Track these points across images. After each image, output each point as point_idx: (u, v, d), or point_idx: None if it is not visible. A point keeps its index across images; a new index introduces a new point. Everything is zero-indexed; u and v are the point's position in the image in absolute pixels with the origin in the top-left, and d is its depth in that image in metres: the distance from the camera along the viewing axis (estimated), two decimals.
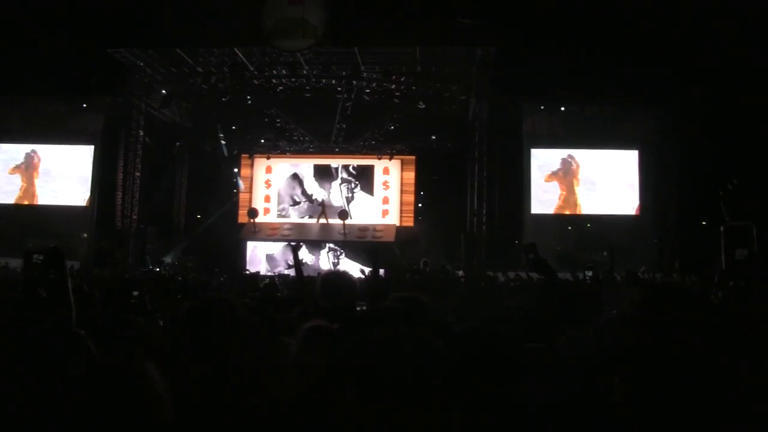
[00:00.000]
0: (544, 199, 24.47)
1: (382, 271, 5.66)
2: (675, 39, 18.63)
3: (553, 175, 24.75)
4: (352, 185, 26.60)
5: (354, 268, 15.19)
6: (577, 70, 20.23)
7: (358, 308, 4.29)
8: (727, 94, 19.56)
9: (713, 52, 18.44)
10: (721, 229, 14.63)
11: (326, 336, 2.56)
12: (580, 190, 24.59)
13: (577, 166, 24.77)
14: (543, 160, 24.83)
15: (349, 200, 26.51)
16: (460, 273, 18.79)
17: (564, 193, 24.59)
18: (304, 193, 26.97)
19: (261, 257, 25.58)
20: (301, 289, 5.66)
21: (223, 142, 25.77)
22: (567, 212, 24.46)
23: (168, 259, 23.82)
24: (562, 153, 24.71)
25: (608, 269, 13.53)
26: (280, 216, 26.80)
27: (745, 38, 17.60)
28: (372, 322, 2.62)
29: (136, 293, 6.84)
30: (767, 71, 17.89)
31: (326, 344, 2.45)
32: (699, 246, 18.63)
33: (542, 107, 24.10)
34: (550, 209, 24.49)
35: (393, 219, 26.43)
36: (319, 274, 4.56)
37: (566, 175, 24.73)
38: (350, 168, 26.79)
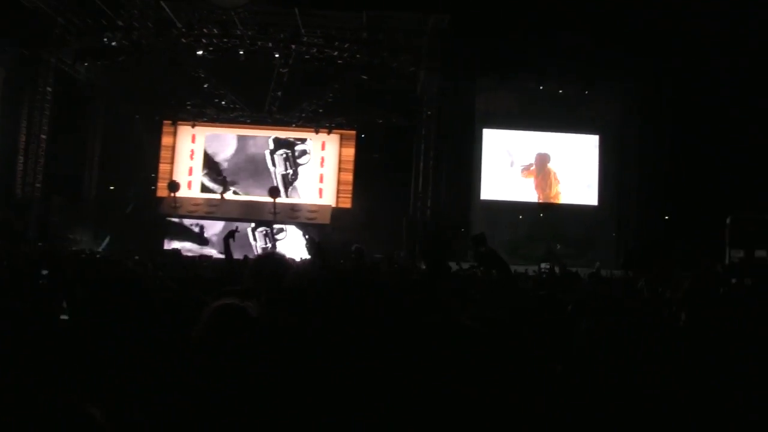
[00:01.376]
0: (521, 192, 25.03)
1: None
2: (640, 11, 18.97)
3: (528, 171, 25.37)
4: (292, 160, 26.73)
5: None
6: (536, 44, 20.51)
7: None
8: (697, 73, 19.99)
9: (680, 26, 18.82)
10: (728, 221, 14.62)
11: (235, 314, 2.57)
12: (560, 187, 25.26)
13: (548, 161, 25.37)
14: (496, 142, 25.31)
15: (287, 178, 26.64)
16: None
17: (538, 191, 25.27)
18: (230, 166, 27.02)
19: (182, 235, 25.53)
20: (230, 271, 5.73)
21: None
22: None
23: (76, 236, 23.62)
24: (518, 135, 25.23)
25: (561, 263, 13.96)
26: (204, 191, 26.93)
27: (717, 14, 18.08)
28: (293, 301, 2.70)
29: (45, 272, 6.64)
30: (738, 49, 18.43)
31: (234, 323, 2.50)
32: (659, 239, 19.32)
33: (497, 83, 24.36)
34: (529, 198, 25.04)
35: (328, 199, 26.64)
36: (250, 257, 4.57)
37: (540, 172, 25.31)
38: (291, 140, 26.92)
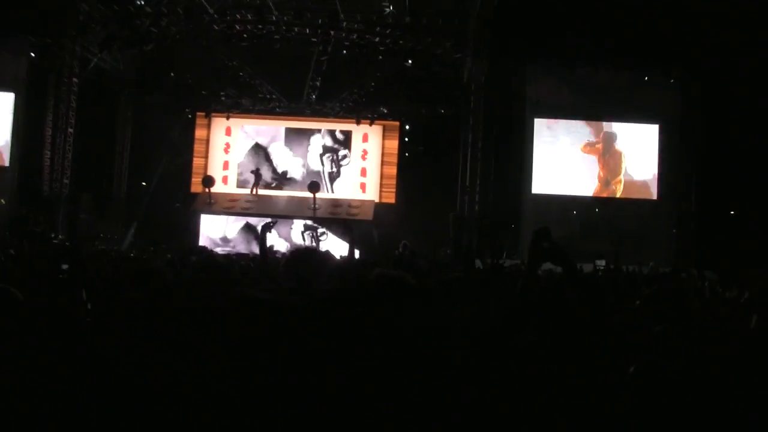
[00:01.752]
0: (579, 177, 24.30)
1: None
2: None
3: (592, 147, 24.61)
4: (337, 155, 26.66)
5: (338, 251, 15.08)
6: (592, 28, 19.95)
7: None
8: (764, 62, 19.26)
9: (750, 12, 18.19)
10: None
11: (260, 310, 2.53)
12: (625, 173, 24.51)
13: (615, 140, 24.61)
14: (548, 132, 24.62)
15: (332, 175, 26.54)
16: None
17: (603, 173, 24.47)
18: (268, 160, 26.84)
19: (216, 233, 25.34)
20: (263, 269, 5.64)
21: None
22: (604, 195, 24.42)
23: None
24: (572, 125, 24.54)
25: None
26: (240, 186, 26.62)
27: None
28: (338, 302, 2.61)
29: (65, 266, 6.33)
30: None
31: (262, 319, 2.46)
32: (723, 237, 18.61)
33: (548, 71, 23.86)
34: (585, 190, 24.36)
35: (371, 194, 26.37)
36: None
37: (608, 152, 24.59)
38: (336, 133, 26.79)
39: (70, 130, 23.37)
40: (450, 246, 21.89)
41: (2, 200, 23.76)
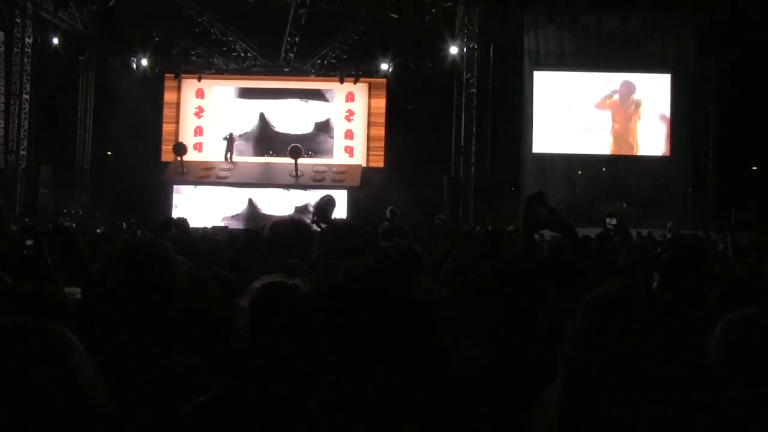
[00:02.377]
0: (585, 135, 23.86)
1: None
2: None
3: (607, 103, 24.14)
4: (319, 116, 26.31)
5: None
6: None
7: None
8: None
9: None
10: None
11: (287, 296, 2.40)
12: (641, 126, 24.04)
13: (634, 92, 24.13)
14: (550, 85, 24.12)
15: (314, 138, 26.18)
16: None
17: (618, 126, 24.00)
18: (244, 124, 26.40)
19: (192, 206, 24.85)
20: (249, 244, 5.73)
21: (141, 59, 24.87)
22: (623, 153, 24.06)
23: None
24: (580, 76, 24.07)
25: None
26: (215, 154, 26.28)
27: None
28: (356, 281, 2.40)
29: (29, 242, 6.56)
30: None
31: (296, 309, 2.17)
32: (747, 196, 18.15)
33: (548, 18, 23.39)
34: (600, 148, 23.96)
35: (358, 158, 26.12)
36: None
37: (624, 103, 24.10)
38: (317, 93, 26.48)
39: (25, 96, 23.33)
40: (445, 211, 21.85)
41: None
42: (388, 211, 17.19)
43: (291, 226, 4.17)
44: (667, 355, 1.84)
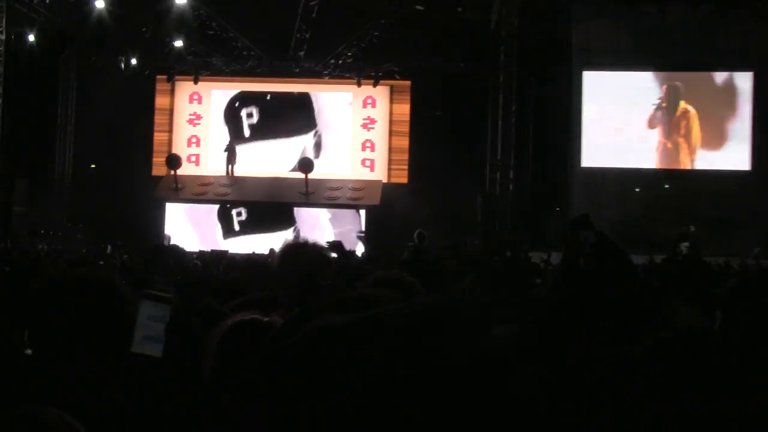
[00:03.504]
0: (649, 144, 23.67)
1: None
2: None
3: (655, 119, 23.84)
4: (333, 125, 26.25)
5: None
6: None
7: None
8: None
9: None
10: None
11: (253, 334, 2.53)
12: (712, 135, 23.67)
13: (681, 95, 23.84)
14: (602, 88, 23.81)
15: (327, 150, 26.04)
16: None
17: (683, 134, 23.70)
18: (246, 135, 26.58)
19: (187, 226, 24.94)
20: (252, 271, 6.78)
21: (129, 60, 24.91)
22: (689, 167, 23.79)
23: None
24: (637, 77, 23.67)
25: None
26: (214, 167, 26.24)
27: None
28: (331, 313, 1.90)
29: (6, 269, 7.21)
30: None
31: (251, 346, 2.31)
32: None
33: (600, 10, 23.13)
34: (662, 161, 23.74)
35: (378, 173, 25.98)
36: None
37: (691, 108, 23.73)
38: (331, 98, 26.53)
39: None
40: (478, 235, 21.76)
41: None
42: (416, 235, 18.08)
43: (305, 251, 4.19)
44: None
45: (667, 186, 23.38)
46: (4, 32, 22.56)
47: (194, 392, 2.49)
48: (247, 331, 2.55)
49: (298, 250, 4.24)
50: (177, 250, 16.22)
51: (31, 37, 23.39)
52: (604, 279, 4.42)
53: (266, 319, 2.62)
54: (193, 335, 2.82)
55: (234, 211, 24.81)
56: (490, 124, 23.36)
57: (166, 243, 21.45)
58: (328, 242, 6.03)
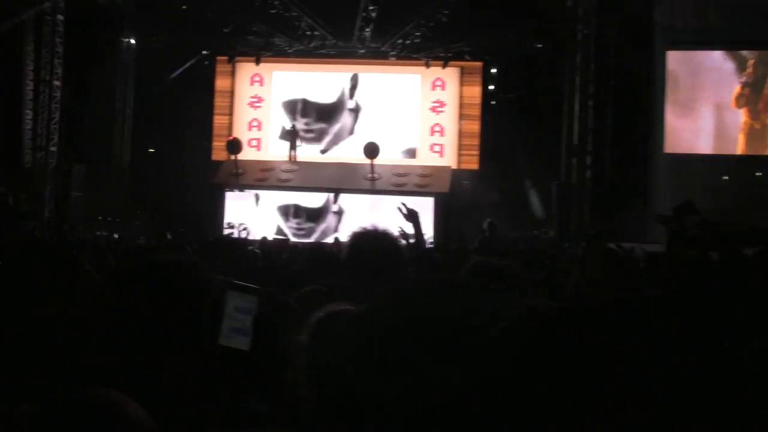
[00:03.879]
0: (739, 129, 22.89)
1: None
2: None
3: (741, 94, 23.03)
4: (401, 108, 26.08)
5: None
6: None
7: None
8: None
9: None
10: None
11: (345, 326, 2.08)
12: None
13: None
14: (687, 69, 23.19)
15: (394, 134, 25.66)
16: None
17: (749, 121, 22.92)
18: (310, 116, 26.39)
19: (248, 213, 24.70)
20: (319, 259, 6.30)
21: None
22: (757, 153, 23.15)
23: None
24: (727, 57, 22.94)
25: None
26: (276, 152, 26.23)
27: None
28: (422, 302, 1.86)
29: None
30: None
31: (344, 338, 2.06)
32: None
33: None
34: (754, 147, 22.95)
35: (448, 159, 25.69)
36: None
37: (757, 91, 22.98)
38: (398, 79, 26.31)
39: (56, 82, 23.17)
40: (552, 225, 22.20)
41: None
42: (485, 224, 18.18)
43: (377, 239, 4.08)
44: None
45: (759, 173, 22.82)
46: (63, 11, 22.97)
47: (277, 386, 2.52)
48: (340, 323, 2.27)
49: (369, 237, 4.13)
50: (238, 241, 16.61)
51: (90, 18, 23.49)
52: (712, 269, 4.87)
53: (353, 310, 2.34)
54: (279, 328, 2.87)
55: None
56: (566, 107, 23.16)
57: (237, 232, 22.25)
58: (402, 208, 5.64)
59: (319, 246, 17.10)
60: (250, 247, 13.58)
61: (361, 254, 3.99)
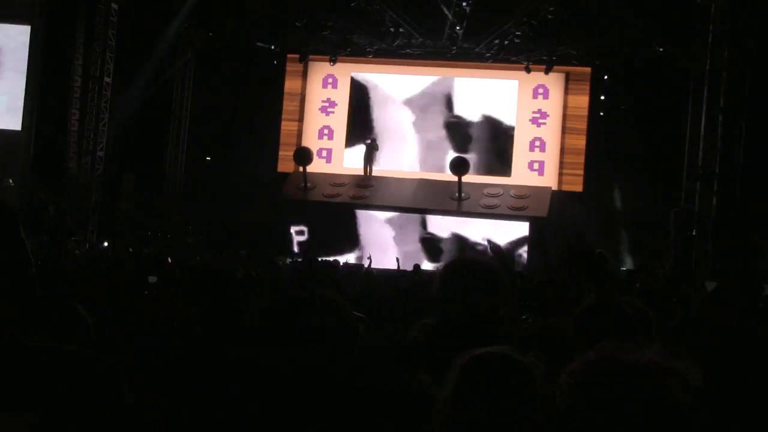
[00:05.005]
0: None
1: None
2: None
3: None
4: (496, 119, 25.82)
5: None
6: None
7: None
8: None
9: None
10: None
11: (501, 371, 2.73)
12: None
13: None
14: None
15: (486, 149, 25.67)
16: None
17: None
18: (390, 126, 26.28)
19: (318, 233, 24.82)
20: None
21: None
22: None
23: None
24: None
25: None
26: (350, 164, 26.25)
27: None
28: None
29: (153, 279, 8.17)
30: None
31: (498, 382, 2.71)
32: None
33: None
34: None
35: (548, 178, 25.39)
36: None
37: None
38: (494, 85, 26.05)
39: (107, 80, 23.28)
40: (670, 258, 21.50)
41: (10, 180, 23.70)
42: (597, 253, 17.18)
43: (475, 269, 3.98)
44: None
45: None
46: (117, 2, 23.22)
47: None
48: (495, 366, 2.66)
49: (465, 268, 4.08)
50: (327, 265, 17.24)
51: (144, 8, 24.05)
52: None
53: (521, 359, 2.71)
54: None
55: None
56: (690, 122, 22.63)
57: (298, 249, 23.14)
58: (488, 247, 5.43)
59: (398, 273, 17.27)
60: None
61: (454, 286, 3.91)
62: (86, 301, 4.47)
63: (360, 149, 25.63)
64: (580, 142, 25.20)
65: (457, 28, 24.25)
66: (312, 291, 3.05)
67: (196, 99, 26.47)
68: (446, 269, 4.14)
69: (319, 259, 19.80)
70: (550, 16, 23.48)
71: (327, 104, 26.55)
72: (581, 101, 25.34)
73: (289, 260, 20.68)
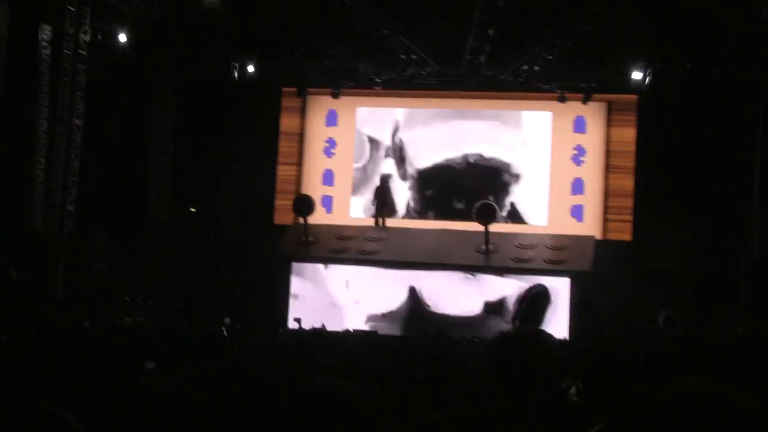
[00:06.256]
0: None
1: None
2: None
3: None
4: (524, 158, 25.68)
5: None
6: None
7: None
8: None
9: None
10: None
11: None
12: None
13: None
14: None
15: (515, 193, 25.60)
16: None
17: None
18: (403, 167, 26.20)
19: (321, 295, 24.21)
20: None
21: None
22: None
23: None
24: None
25: None
26: (357, 214, 26.22)
27: None
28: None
29: (151, 365, 7.35)
30: None
31: None
32: None
33: None
34: None
35: (590, 226, 25.02)
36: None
37: None
38: (523, 119, 25.95)
39: (77, 121, 22.97)
40: (741, 318, 20.89)
41: None
42: (661, 319, 17.68)
43: (524, 343, 4.12)
44: None
45: None
46: (88, 32, 23.20)
47: None
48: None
49: (515, 342, 4.17)
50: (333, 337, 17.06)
51: (121, 37, 23.65)
52: None
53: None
54: None
55: None
56: (760, 156, 22.10)
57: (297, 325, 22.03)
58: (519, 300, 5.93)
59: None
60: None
61: (504, 364, 3.94)
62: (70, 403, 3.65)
63: (370, 197, 25.30)
64: (627, 182, 24.72)
65: (480, 56, 23.89)
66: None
67: (179, 138, 26.38)
68: (494, 343, 4.15)
69: (325, 327, 19.42)
70: (586, 37, 23.01)
71: (330, 144, 26.38)
72: (627, 134, 24.84)
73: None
